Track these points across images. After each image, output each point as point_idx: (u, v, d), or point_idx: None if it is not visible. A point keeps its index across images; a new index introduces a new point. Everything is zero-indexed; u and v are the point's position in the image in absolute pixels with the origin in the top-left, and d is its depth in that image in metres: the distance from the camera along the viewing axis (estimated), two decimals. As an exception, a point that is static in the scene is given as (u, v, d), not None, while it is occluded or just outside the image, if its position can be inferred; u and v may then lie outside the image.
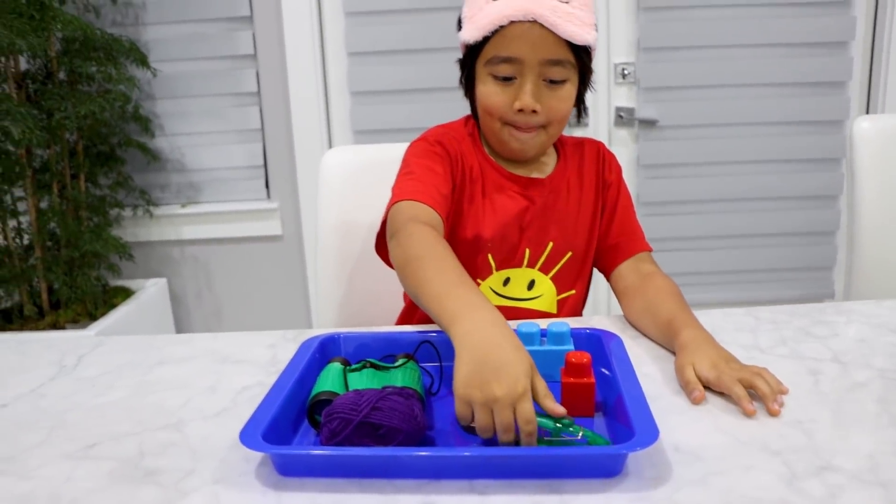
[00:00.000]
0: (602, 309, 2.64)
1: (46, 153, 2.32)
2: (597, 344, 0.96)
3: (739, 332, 1.07)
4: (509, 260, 1.22)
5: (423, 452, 0.75)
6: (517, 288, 1.23)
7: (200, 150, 2.66)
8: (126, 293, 2.51)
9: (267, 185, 2.71)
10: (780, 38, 2.51)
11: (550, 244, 1.23)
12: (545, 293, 1.24)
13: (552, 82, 1.11)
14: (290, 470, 0.76)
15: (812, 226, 2.67)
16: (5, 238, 2.27)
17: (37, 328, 2.26)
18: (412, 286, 0.95)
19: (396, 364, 0.90)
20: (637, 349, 1.02)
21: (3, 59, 2.16)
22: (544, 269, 1.24)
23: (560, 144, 1.29)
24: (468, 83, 1.21)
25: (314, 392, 0.85)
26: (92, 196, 2.44)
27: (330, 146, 2.63)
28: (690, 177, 2.61)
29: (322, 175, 1.50)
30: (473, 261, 1.21)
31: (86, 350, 1.13)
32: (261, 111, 2.63)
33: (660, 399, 0.87)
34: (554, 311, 1.25)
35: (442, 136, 1.21)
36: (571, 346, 0.93)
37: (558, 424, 0.76)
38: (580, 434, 0.76)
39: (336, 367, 0.90)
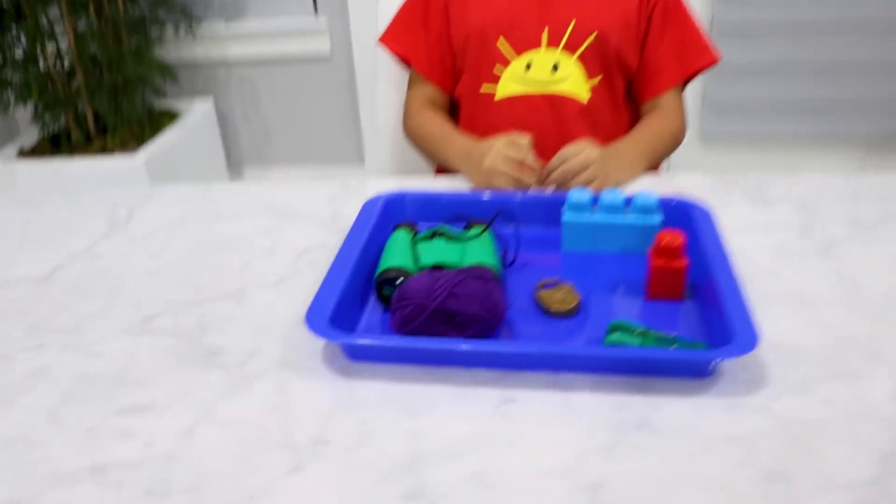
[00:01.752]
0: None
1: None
2: (685, 216, 0.88)
3: (838, 203, 0.97)
4: (527, 40, 1.18)
5: (506, 347, 0.70)
6: (541, 71, 1.19)
7: (241, -38, 2.48)
8: (172, 115, 2.45)
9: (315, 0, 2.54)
10: None
11: (573, 21, 1.17)
12: (572, 75, 1.18)
13: None
14: (361, 355, 0.72)
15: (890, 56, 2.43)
16: (46, 62, 2.19)
17: (85, 153, 2.22)
18: (425, 153, 1.23)
19: (469, 234, 0.84)
20: (726, 217, 0.93)
21: None
22: (569, 48, 1.18)
23: None
24: None
25: (382, 266, 0.79)
26: (131, 15, 2.31)
27: None
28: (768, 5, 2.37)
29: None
30: (490, 49, 1.19)
31: (136, 203, 1.09)
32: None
33: (753, 282, 0.80)
34: (585, 96, 1.19)
35: None
36: (659, 218, 0.85)
37: (648, 341, 0.70)
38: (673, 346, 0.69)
39: (404, 235, 0.84)
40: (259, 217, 1.02)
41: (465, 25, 1.21)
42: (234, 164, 2.77)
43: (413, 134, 1.24)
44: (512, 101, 1.19)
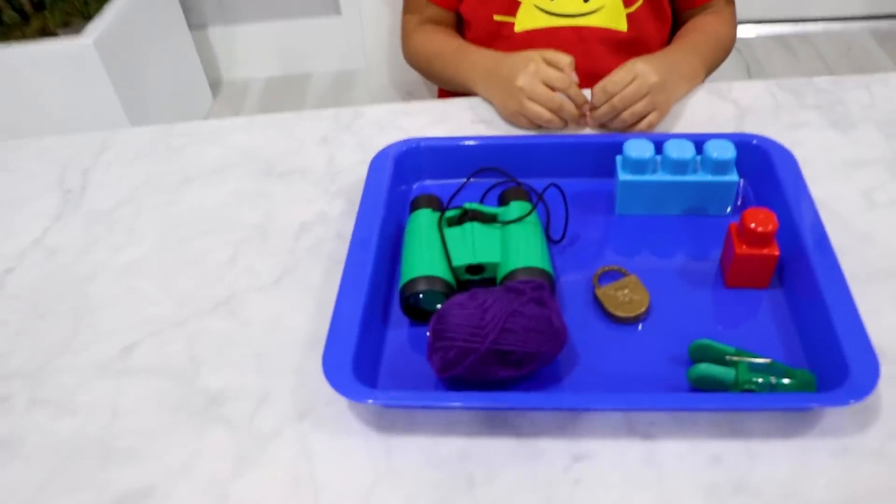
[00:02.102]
0: None
1: None
2: (763, 162, 0.72)
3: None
4: None
5: (575, 403, 0.57)
6: (569, 1, 0.97)
7: None
8: (117, -21, 2.14)
9: None
10: None
11: None
12: (607, 4, 0.97)
13: None
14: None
15: None
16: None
17: (24, 36, 1.95)
18: (434, 77, 1.04)
19: (508, 212, 0.69)
20: (802, 151, 0.77)
21: None
22: None
23: None
24: None
25: (407, 275, 0.64)
26: None
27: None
28: None
29: None
30: None
31: (88, 161, 0.90)
32: None
33: (842, 253, 0.64)
34: (622, 27, 0.98)
35: None
36: (736, 177, 0.69)
37: (742, 372, 0.57)
38: (772, 381, 0.56)
39: (426, 219, 0.69)
40: (241, 175, 0.85)
41: None
42: (197, 27, 2.48)
43: (416, 55, 1.04)
44: (535, 33, 0.98)
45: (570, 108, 0.82)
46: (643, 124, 0.79)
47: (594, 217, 0.73)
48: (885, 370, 0.54)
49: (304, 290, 0.70)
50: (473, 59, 0.92)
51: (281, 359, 0.64)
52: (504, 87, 0.85)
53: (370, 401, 0.57)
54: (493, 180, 0.76)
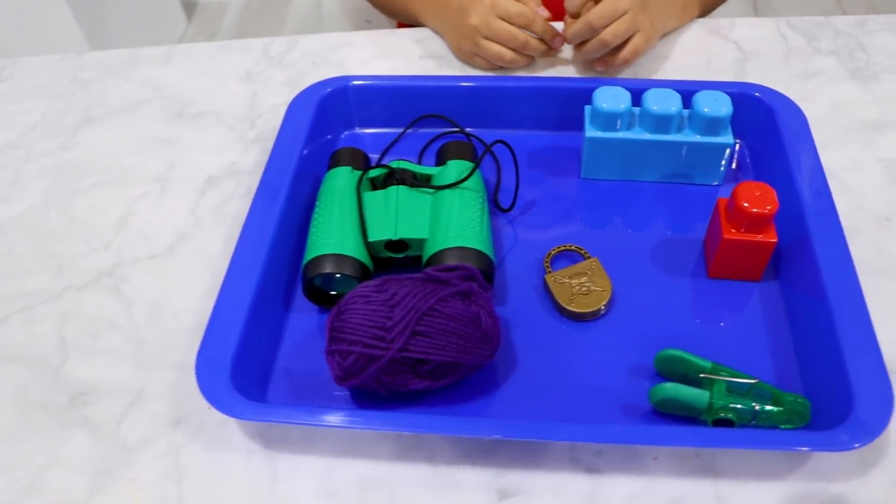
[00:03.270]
0: None
1: None
2: (766, 119, 0.59)
3: None
4: None
5: (498, 430, 0.44)
6: None
7: None
8: None
9: None
10: None
11: None
12: None
13: None
14: (286, 414, 0.47)
15: None
16: None
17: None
18: (384, 7, 0.90)
19: (444, 174, 0.56)
20: (813, 107, 0.64)
21: None
22: None
23: None
24: None
25: (311, 252, 0.52)
26: None
27: None
28: None
29: None
30: None
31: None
32: None
33: (854, 237, 0.53)
34: None
35: None
36: (730, 138, 0.56)
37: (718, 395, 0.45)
38: (755, 408, 0.44)
39: (344, 180, 0.56)
40: (147, 115, 0.72)
41: None
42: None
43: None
44: None
45: (535, 45, 0.69)
46: (627, 50, 0.66)
47: (554, 181, 0.61)
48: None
49: (201, 262, 0.58)
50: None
51: (162, 348, 0.53)
52: (455, 25, 0.72)
53: (245, 419, 0.45)
54: (437, 130, 0.63)
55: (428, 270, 0.47)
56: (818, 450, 0.42)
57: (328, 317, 0.47)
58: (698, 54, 0.71)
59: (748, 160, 0.61)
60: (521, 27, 0.68)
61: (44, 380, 0.52)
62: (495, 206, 0.58)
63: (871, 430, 0.40)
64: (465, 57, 0.73)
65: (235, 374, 0.46)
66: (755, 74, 0.69)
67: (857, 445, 0.40)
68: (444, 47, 0.75)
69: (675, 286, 0.53)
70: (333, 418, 0.44)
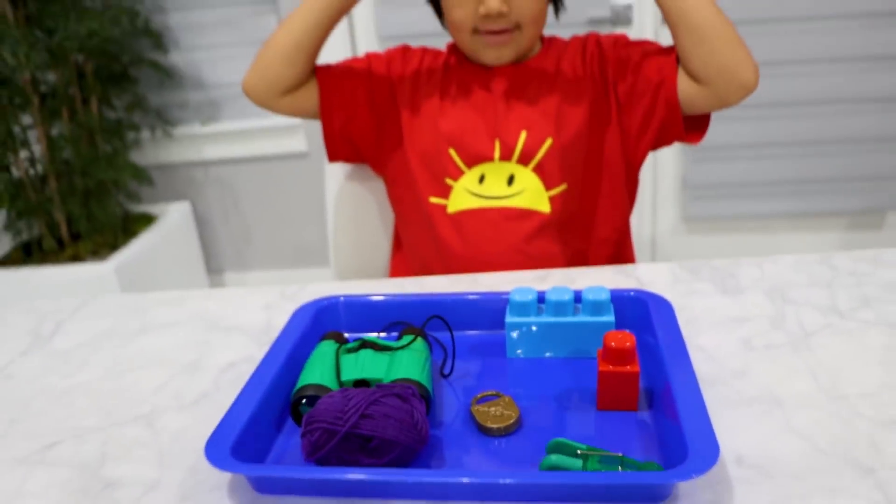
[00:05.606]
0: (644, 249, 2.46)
1: (53, 77, 2.17)
2: (642, 311, 0.81)
3: (812, 287, 0.89)
4: (478, 154, 1.13)
5: (421, 478, 0.60)
6: (495, 185, 1.12)
7: (217, 64, 2.49)
8: (148, 220, 2.41)
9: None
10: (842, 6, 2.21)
11: (524, 133, 1.11)
12: (529, 187, 1.11)
13: None
14: (268, 488, 0.63)
15: (876, 131, 2.40)
16: (18, 170, 2.17)
17: (57, 261, 2.17)
18: (282, 39, 1.11)
19: (400, 343, 0.76)
20: (690, 311, 0.85)
21: (-4, -24, 2.00)
22: (523, 160, 1.11)
23: (549, 42, 1.18)
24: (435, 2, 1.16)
25: (299, 384, 0.71)
26: (106, 120, 2.30)
27: (353, 53, 2.43)
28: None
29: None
30: (440, 161, 1.13)
31: (65, 315, 1.01)
32: (279, 20, 2.43)
33: (716, 384, 0.72)
34: (545, 208, 1.11)
35: (398, 49, 1.21)
36: (611, 317, 0.77)
37: (591, 463, 0.61)
38: (619, 470, 0.60)
39: (328, 348, 0.76)
40: (189, 329, 0.94)
41: (418, 139, 1.16)
42: (214, 270, 2.72)
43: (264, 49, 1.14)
44: (466, 214, 1.12)
45: None
46: None
47: (485, 361, 0.80)
48: (743, 474, 0.59)
49: (216, 411, 0.76)
50: None
51: (180, 457, 0.69)
52: None
53: (233, 473, 0.61)
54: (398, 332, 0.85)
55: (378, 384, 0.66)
56: (664, 481, 0.56)
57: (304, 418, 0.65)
58: (606, 284, 0.95)
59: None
60: None
61: (84, 478, 0.68)
62: (440, 373, 0.78)
63: (700, 468, 0.55)
64: None
65: (235, 450, 0.63)
66: (649, 298, 0.91)
67: (694, 476, 0.54)
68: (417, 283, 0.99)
69: (570, 416, 0.70)
70: (296, 474, 0.60)
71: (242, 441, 0.64)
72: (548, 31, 1.18)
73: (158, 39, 2.37)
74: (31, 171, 2.20)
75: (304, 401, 0.70)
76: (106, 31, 2.08)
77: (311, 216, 2.65)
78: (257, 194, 2.64)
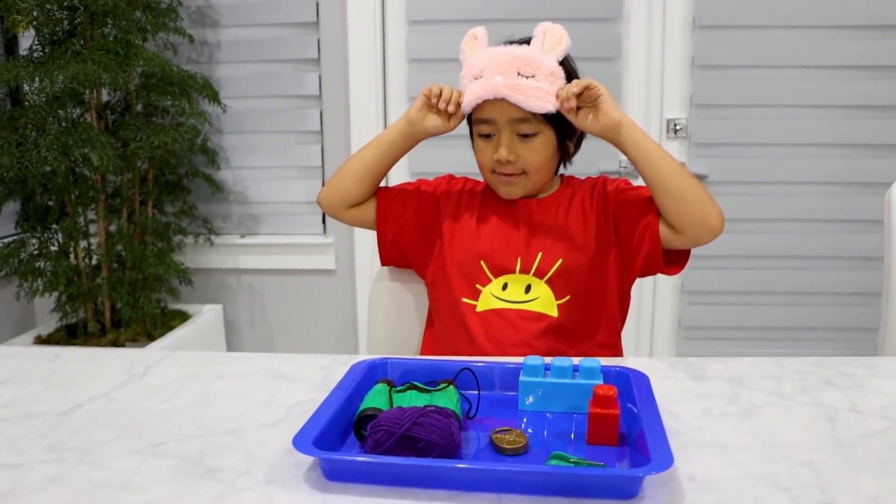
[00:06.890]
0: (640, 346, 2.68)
1: (119, 179, 2.47)
2: (625, 381, 1.03)
3: (764, 379, 1.11)
4: (504, 267, 1.38)
5: (457, 465, 0.82)
6: (515, 292, 1.37)
7: (262, 183, 2.80)
8: (183, 316, 2.63)
9: (324, 221, 2.82)
10: (832, 99, 2.56)
11: (540, 254, 1.38)
12: (542, 296, 1.36)
13: (524, 136, 1.34)
14: (336, 475, 0.83)
15: (859, 286, 2.68)
16: (76, 258, 2.42)
17: (98, 344, 2.38)
18: (355, 163, 1.45)
19: (438, 388, 0.98)
20: (665, 389, 1.07)
21: (87, 92, 2.33)
22: (538, 275, 1.37)
23: (568, 180, 1.48)
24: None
25: (361, 408, 0.93)
26: (158, 222, 2.58)
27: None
28: (738, 232, 2.65)
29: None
30: (473, 270, 1.40)
31: (152, 362, 1.23)
32: (322, 149, 2.76)
33: (681, 434, 0.93)
34: (554, 313, 1.36)
35: (445, 177, 1.53)
36: (601, 381, 0.99)
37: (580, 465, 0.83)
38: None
39: (382, 387, 0.98)
40: (260, 378, 1.16)
41: (457, 250, 1.43)
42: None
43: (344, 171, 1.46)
44: (491, 313, 1.38)
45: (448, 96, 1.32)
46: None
47: (502, 410, 1.02)
48: (693, 486, 0.81)
49: (291, 430, 0.96)
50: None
51: (264, 457, 0.90)
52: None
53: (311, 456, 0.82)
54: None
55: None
56: (634, 475, 0.78)
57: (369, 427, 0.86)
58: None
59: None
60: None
61: (188, 464, 0.88)
62: (467, 416, 0.99)
63: (661, 467, 0.77)
64: (415, 111, 1.35)
65: (315, 444, 0.84)
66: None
67: (654, 472, 0.76)
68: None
69: (567, 447, 0.91)
70: (367, 460, 0.81)
71: (320, 439, 0.85)
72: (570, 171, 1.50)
73: (213, 156, 2.69)
74: (87, 260, 2.45)
75: (366, 421, 0.91)
76: (174, 145, 2.39)
77: (334, 330, 2.88)
78: (284, 303, 2.88)
